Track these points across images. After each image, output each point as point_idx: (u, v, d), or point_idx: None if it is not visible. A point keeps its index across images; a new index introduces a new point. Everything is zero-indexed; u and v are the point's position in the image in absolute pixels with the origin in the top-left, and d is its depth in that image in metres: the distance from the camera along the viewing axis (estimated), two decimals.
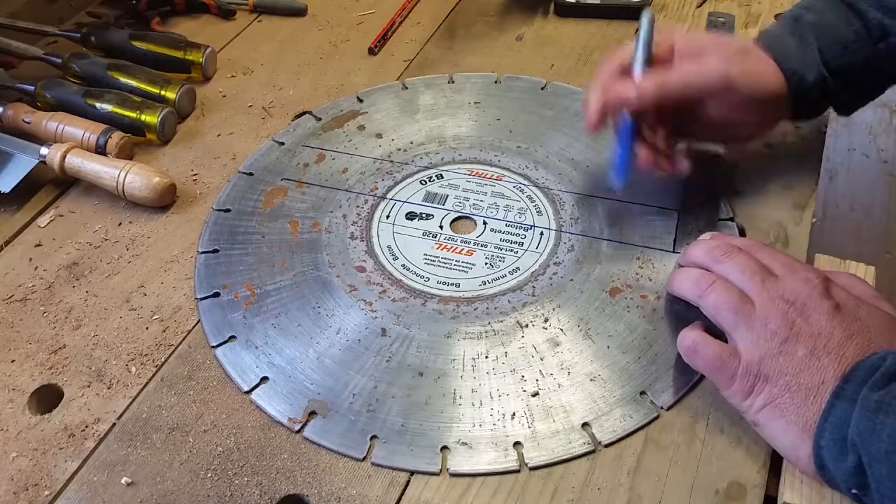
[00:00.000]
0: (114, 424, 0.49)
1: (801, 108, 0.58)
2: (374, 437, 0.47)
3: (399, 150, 0.67)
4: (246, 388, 0.50)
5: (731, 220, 0.59)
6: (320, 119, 0.71)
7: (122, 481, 0.46)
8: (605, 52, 0.57)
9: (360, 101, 0.72)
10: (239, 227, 0.61)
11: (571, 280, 0.56)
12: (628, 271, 0.56)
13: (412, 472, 0.46)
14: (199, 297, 0.56)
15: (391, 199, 0.62)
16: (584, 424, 0.47)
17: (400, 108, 0.71)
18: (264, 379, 0.51)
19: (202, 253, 0.59)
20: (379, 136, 0.68)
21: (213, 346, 0.53)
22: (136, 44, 0.75)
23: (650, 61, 0.56)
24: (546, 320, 0.53)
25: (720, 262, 0.48)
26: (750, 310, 0.45)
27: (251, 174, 0.66)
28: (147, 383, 0.51)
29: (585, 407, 0.48)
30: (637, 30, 0.56)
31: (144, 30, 0.81)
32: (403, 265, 0.57)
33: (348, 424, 0.48)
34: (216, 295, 0.56)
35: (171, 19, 0.86)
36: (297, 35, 0.83)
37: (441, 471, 0.46)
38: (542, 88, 0.73)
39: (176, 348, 0.53)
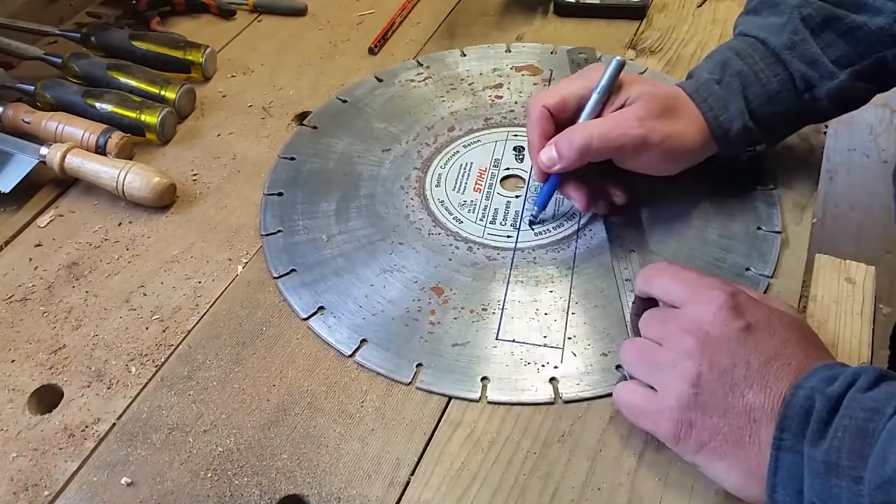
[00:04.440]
0: (114, 424, 0.49)
1: (724, 152, 0.58)
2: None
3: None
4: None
5: None
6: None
7: (122, 481, 0.46)
8: (531, 98, 0.58)
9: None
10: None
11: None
12: None
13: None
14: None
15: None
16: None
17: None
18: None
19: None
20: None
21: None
22: (136, 44, 0.75)
23: (604, 105, 0.56)
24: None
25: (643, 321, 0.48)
26: (656, 354, 0.44)
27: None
28: (147, 383, 0.51)
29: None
30: (604, 70, 0.55)
31: (144, 30, 0.81)
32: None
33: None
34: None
35: (171, 19, 0.86)
36: (297, 35, 0.83)
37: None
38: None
39: (176, 348, 0.53)
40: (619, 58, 0.55)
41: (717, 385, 0.42)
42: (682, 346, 0.43)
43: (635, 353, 0.46)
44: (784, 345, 0.42)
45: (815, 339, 0.45)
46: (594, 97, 0.55)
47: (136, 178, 0.62)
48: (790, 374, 0.41)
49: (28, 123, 0.68)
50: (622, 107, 0.55)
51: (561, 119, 0.57)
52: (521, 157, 0.65)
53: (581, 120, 0.56)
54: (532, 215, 0.59)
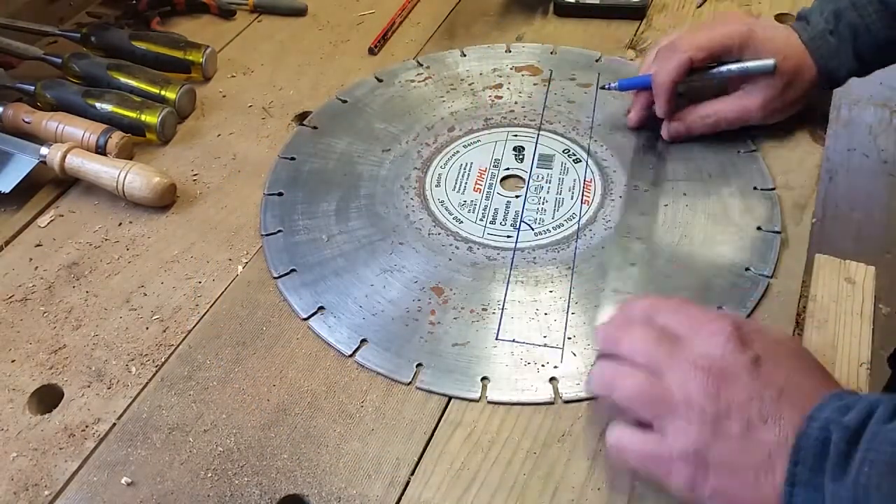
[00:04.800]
0: (114, 424, 0.49)
1: (825, 88, 0.65)
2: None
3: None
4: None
5: None
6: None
7: (122, 481, 0.46)
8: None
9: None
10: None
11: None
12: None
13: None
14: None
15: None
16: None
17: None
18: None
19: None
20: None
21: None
22: (136, 44, 0.75)
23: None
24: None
25: (619, 343, 0.45)
26: (666, 393, 0.41)
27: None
28: (147, 383, 0.51)
29: None
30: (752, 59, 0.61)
31: (144, 30, 0.81)
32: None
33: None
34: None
35: (171, 19, 0.86)
36: (297, 35, 0.83)
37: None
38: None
39: (176, 348, 0.53)
40: (773, 62, 0.60)
41: (734, 424, 0.39)
42: (693, 382, 0.41)
43: (637, 389, 0.42)
44: (792, 374, 0.41)
45: (816, 363, 0.43)
46: (725, 70, 0.62)
47: (136, 178, 0.62)
48: (800, 404, 0.40)
49: (28, 123, 0.68)
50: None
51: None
52: (520, 157, 0.65)
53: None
54: (608, 83, 0.67)
